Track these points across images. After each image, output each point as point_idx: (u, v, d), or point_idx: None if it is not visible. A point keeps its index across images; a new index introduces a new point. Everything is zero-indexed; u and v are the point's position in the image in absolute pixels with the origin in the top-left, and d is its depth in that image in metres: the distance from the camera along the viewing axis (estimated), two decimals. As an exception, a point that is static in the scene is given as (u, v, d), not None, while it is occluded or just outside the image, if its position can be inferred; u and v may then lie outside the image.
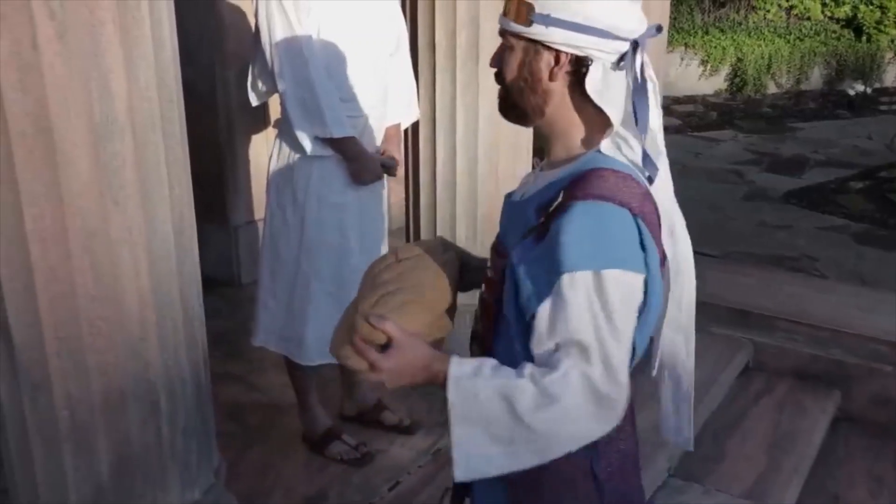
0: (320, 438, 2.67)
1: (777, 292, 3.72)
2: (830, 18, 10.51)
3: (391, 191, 2.97)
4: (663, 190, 1.26)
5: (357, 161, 2.45)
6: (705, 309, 3.69)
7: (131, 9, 1.50)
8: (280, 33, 2.32)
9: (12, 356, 1.58)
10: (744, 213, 5.68)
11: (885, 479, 2.99)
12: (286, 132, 2.46)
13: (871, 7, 10.23)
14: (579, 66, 1.22)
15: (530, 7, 1.20)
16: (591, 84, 1.21)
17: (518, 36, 1.23)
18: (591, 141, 1.25)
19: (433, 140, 2.87)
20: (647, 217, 1.18)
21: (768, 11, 10.52)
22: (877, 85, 9.73)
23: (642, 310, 1.19)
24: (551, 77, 1.23)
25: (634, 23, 1.21)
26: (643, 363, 1.31)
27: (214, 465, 1.94)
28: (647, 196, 1.21)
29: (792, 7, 10.56)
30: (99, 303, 1.57)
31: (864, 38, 10.11)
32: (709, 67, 9.62)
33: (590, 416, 1.13)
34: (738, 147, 7.67)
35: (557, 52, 1.21)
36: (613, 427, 1.17)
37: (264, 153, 3.48)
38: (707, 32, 9.99)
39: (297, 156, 2.44)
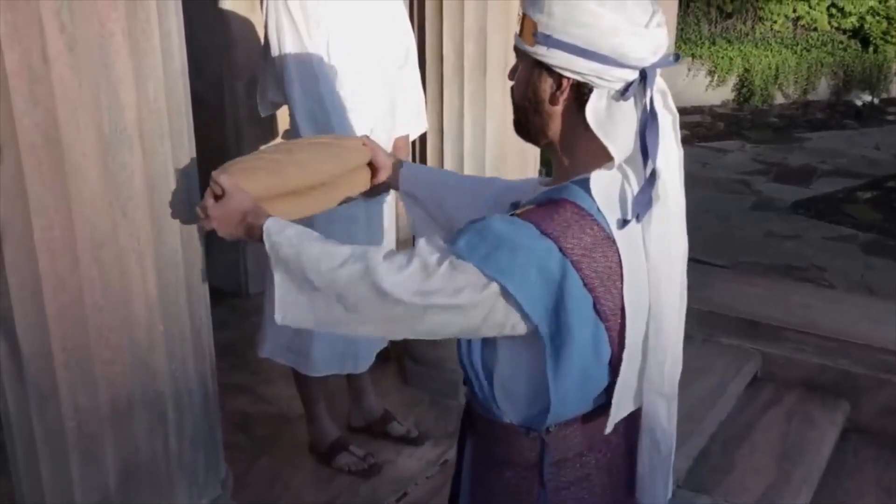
0: (328, 449, 2.67)
1: (785, 302, 3.71)
2: (837, 29, 10.50)
3: (399, 202, 2.98)
4: (657, 240, 1.16)
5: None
6: (713, 319, 3.71)
7: (141, 21, 1.51)
8: (290, 45, 2.33)
9: (20, 366, 1.59)
10: (751, 223, 5.67)
11: (894, 490, 2.97)
12: (294, 143, 2.47)
13: (877, 18, 10.23)
14: (581, 93, 1.16)
15: (534, 26, 1.15)
16: (592, 113, 1.16)
17: (525, 54, 1.20)
18: (588, 170, 1.18)
19: (441, 151, 2.87)
20: (584, 264, 1.12)
21: (775, 22, 10.51)
22: (884, 95, 9.71)
23: (552, 356, 1.16)
24: (553, 100, 1.18)
25: (645, 51, 1.13)
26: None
27: (221, 476, 1.94)
28: (603, 244, 1.14)
29: (799, 18, 10.56)
30: (107, 313, 1.57)
31: (870, 48, 10.10)
32: (716, 78, 9.61)
33: (369, 288, 1.18)
34: (745, 157, 7.66)
35: (560, 76, 1.16)
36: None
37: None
38: (714, 43, 9.99)
39: (305, 167, 2.45)
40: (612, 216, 1.15)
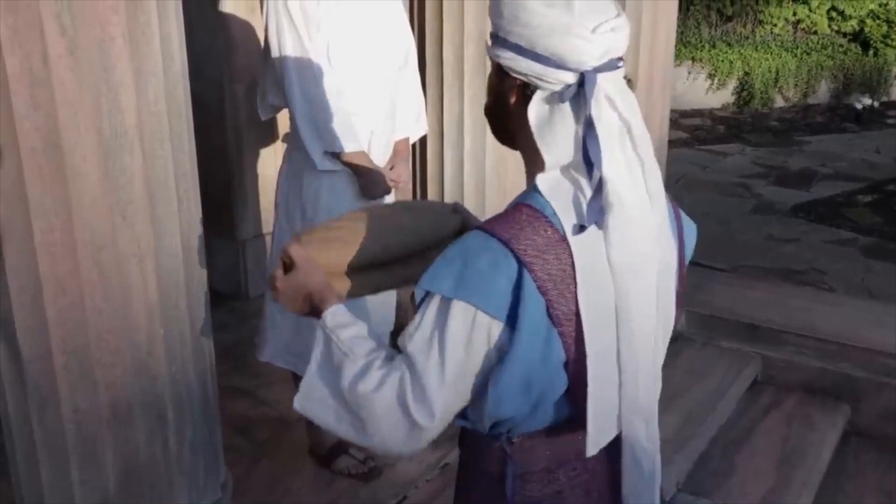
0: (328, 453, 2.66)
1: (785, 306, 3.70)
2: (837, 32, 10.50)
3: (398, 204, 2.98)
4: (617, 248, 1.12)
5: (366, 175, 2.46)
6: (713, 323, 3.71)
7: (141, 24, 1.52)
8: (290, 48, 2.33)
9: (20, 369, 1.59)
10: (752, 227, 5.67)
11: (895, 494, 2.97)
12: (295, 146, 2.47)
13: (877, 21, 10.23)
14: (526, 94, 1.15)
15: (492, 27, 1.18)
16: (533, 115, 1.14)
17: (490, 58, 1.21)
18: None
19: (441, 154, 2.88)
20: (537, 266, 1.10)
21: (775, 25, 10.52)
22: (884, 99, 9.71)
23: (499, 359, 1.12)
24: (508, 101, 1.18)
25: (586, 54, 1.10)
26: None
27: (221, 480, 1.94)
28: (556, 246, 1.11)
29: (799, 21, 10.57)
30: (107, 316, 1.57)
31: (871, 52, 10.10)
32: (716, 81, 9.62)
33: (397, 423, 1.15)
34: (745, 160, 7.66)
35: (512, 77, 1.16)
36: (417, 451, 1.22)
37: (273, 167, 3.50)
38: (714, 46, 10.00)
39: (306, 170, 2.45)
40: (567, 220, 1.12)
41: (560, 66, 1.11)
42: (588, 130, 1.10)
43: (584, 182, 1.12)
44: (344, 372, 1.18)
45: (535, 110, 1.14)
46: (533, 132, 1.14)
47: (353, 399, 1.17)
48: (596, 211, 1.11)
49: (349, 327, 1.22)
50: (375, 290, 1.39)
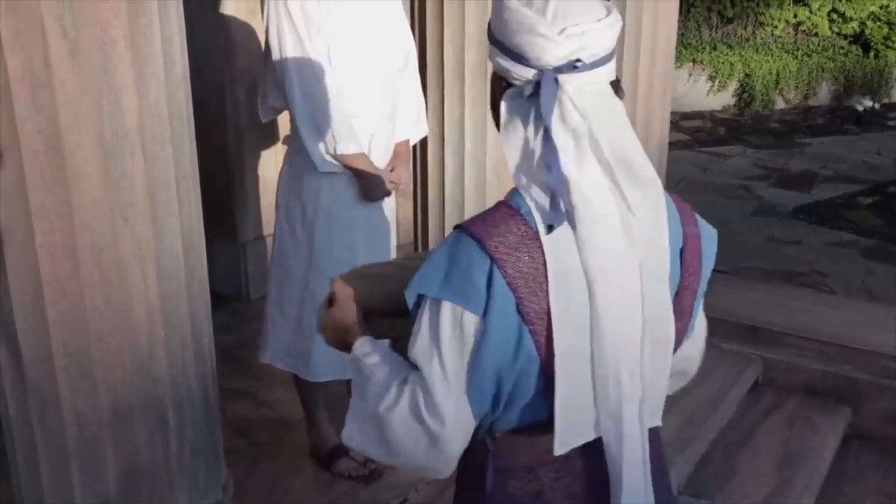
0: (328, 455, 2.66)
1: (786, 308, 3.70)
2: (838, 34, 10.50)
3: (400, 207, 2.98)
4: (587, 251, 1.12)
5: (366, 177, 2.46)
6: (714, 325, 3.67)
7: (142, 26, 1.52)
8: (290, 50, 2.33)
9: (21, 371, 1.59)
10: (753, 229, 5.66)
11: (896, 497, 2.97)
12: (296, 148, 2.47)
13: (878, 23, 10.23)
14: (501, 88, 1.18)
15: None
16: (502, 110, 1.16)
17: None
18: None
19: (441, 156, 2.88)
20: (508, 263, 1.11)
21: (776, 27, 10.52)
22: (885, 100, 9.70)
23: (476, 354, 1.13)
24: (497, 97, 1.20)
25: (548, 54, 1.11)
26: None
27: (222, 481, 1.94)
28: (529, 244, 1.12)
29: (799, 23, 10.57)
30: (107, 318, 1.57)
31: (871, 54, 10.10)
32: (717, 83, 9.62)
33: (416, 437, 1.17)
34: (746, 162, 7.66)
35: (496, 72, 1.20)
36: (447, 467, 1.22)
37: (273, 169, 3.50)
38: (715, 48, 10.00)
39: (307, 172, 2.45)
40: (541, 218, 1.13)
41: (522, 62, 1.13)
42: (544, 131, 1.11)
43: (549, 182, 1.13)
44: (369, 398, 1.22)
45: (505, 106, 1.17)
46: (501, 127, 1.17)
47: (378, 421, 1.20)
48: (557, 211, 1.12)
49: (373, 355, 1.25)
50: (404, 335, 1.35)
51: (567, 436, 1.18)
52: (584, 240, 1.12)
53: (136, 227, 1.57)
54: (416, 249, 3.12)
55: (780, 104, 9.76)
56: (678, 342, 1.27)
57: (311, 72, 2.34)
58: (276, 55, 2.37)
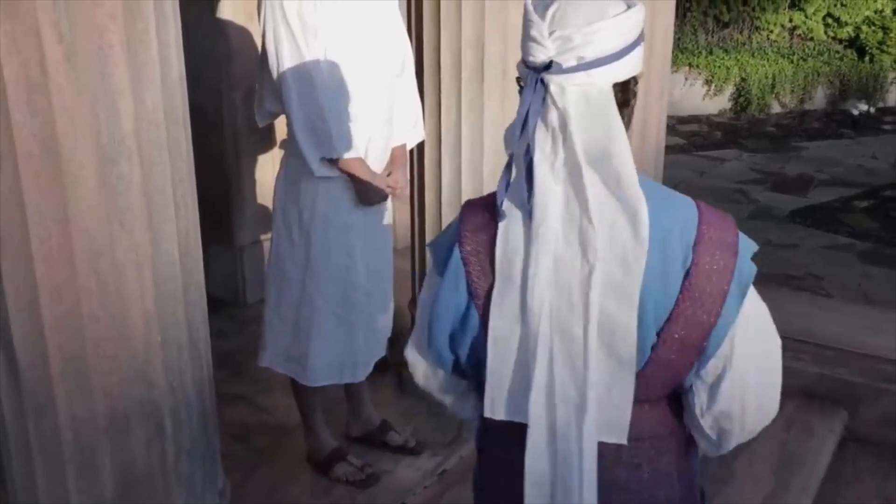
0: (326, 459, 2.66)
1: (783, 311, 3.67)
2: (833, 39, 10.54)
3: (396, 211, 2.98)
4: (536, 245, 1.17)
5: (363, 182, 2.46)
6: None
7: (139, 31, 1.52)
8: (287, 55, 2.34)
9: (16, 376, 1.58)
10: (749, 232, 5.57)
11: (893, 500, 2.96)
12: (293, 153, 2.47)
13: (873, 28, 10.26)
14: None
15: None
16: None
17: None
18: None
19: (438, 160, 2.88)
20: (468, 241, 1.24)
21: (771, 32, 10.55)
22: (880, 104, 9.73)
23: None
24: None
25: (534, 56, 1.16)
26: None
27: (219, 487, 1.93)
28: (492, 227, 1.21)
29: (795, 28, 10.60)
30: (104, 323, 1.57)
31: (866, 58, 10.13)
32: (713, 87, 9.64)
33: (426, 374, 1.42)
34: (742, 166, 7.68)
35: None
36: (445, 403, 1.47)
37: (270, 174, 3.49)
38: (711, 52, 10.02)
39: (304, 177, 2.45)
40: (504, 206, 1.21)
41: (522, 62, 1.20)
42: (521, 128, 1.17)
43: (520, 175, 1.19)
44: None
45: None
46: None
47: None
48: (515, 200, 1.19)
49: None
50: None
51: (490, 407, 1.26)
52: (534, 236, 1.17)
53: (132, 232, 1.57)
54: (412, 254, 3.12)
55: (776, 108, 9.78)
56: (672, 373, 1.23)
57: (307, 76, 2.34)
58: (272, 60, 2.37)
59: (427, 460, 2.74)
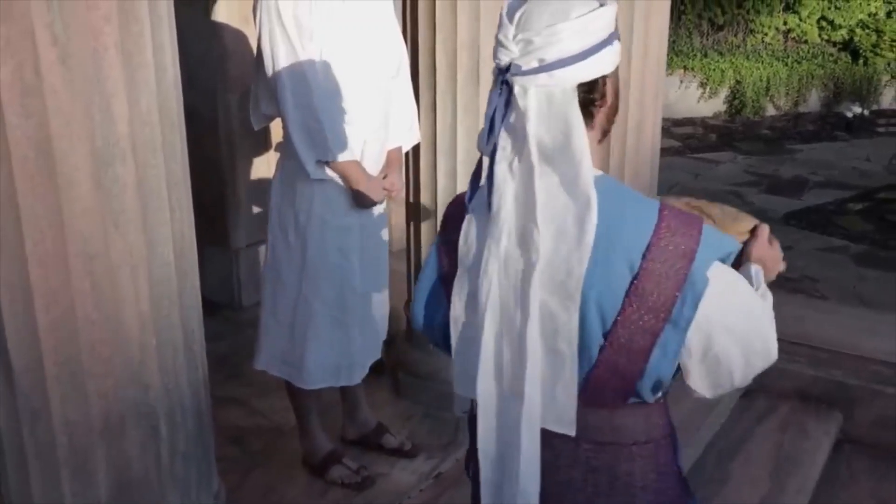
0: (321, 462, 2.65)
1: (778, 313, 3.69)
2: (827, 42, 10.57)
3: (392, 213, 2.98)
4: (490, 242, 1.22)
5: (359, 184, 2.46)
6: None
7: (134, 34, 1.51)
8: (283, 57, 2.33)
9: (11, 380, 1.58)
10: (744, 235, 5.67)
11: (889, 502, 2.97)
12: (288, 155, 2.47)
13: (867, 31, 10.30)
14: None
15: None
16: None
17: None
18: None
19: (434, 163, 2.88)
20: (443, 232, 1.37)
21: (766, 35, 10.58)
22: (874, 107, 9.76)
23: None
24: None
25: (498, 57, 1.20)
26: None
27: (214, 490, 1.93)
28: (460, 218, 1.28)
29: (789, 31, 10.63)
30: (99, 326, 1.56)
31: (860, 61, 10.17)
32: (708, 90, 9.67)
33: None
34: (737, 168, 7.69)
35: None
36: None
37: (266, 176, 3.49)
38: (706, 55, 10.05)
39: (299, 179, 2.45)
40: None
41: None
42: (489, 125, 1.23)
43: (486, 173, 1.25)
44: None
45: None
46: None
47: None
48: (481, 196, 1.24)
49: None
50: None
51: (456, 383, 1.34)
52: (490, 231, 1.22)
53: (127, 235, 1.56)
54: (408, 256, 3.12)
55: (770, 111, 9.81)
56: (621, 379, 1.25)
57: (303, 79, 2.34)
58: (268, 62, 2.37)
59: (423, 463, 2.73)
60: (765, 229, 1.47)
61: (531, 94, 1.18)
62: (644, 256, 1.18)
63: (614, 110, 1.28)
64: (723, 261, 1.28)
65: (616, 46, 1.22)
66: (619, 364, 1.23)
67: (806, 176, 7.39)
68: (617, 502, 1.34)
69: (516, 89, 1.18)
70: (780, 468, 2.99)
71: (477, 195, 1.26)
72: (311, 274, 2.48)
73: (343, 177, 2.45)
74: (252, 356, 2.64)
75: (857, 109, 9.21)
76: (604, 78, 1.22)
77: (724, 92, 9.71)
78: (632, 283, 1.19)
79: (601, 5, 1.19)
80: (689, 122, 9.36)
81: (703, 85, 9.66)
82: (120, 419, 1.63)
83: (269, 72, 2.37)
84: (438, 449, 2.78)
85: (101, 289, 1.55)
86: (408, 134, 2.70)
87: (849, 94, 9.77)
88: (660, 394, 1.32)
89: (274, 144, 3.54)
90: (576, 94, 1.18)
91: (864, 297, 4.73)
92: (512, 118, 1.20)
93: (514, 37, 1.18)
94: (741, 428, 3.24)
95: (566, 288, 1.18)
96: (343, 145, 2.40)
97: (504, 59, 1.19)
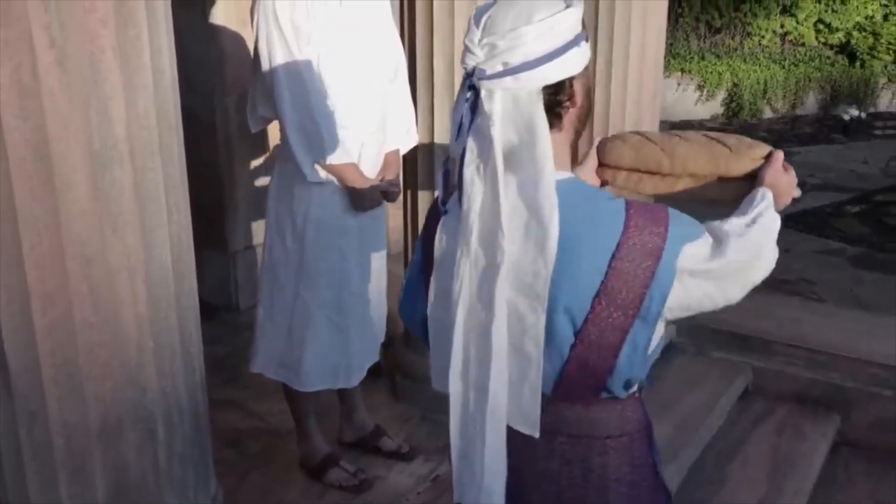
0: (319, 465, 2.65)
1: (775, 316, 3.71)
2: (824, 44, 10.59)
3: (389, 215, 2.98)
4: (461, 241, 1.24)
5: (356, 187, 2.46)
6: (704, 333, 3.71)
7: (131, 37, 1.51)
8: (280, 60, 2.34)
9: (8, 382, 1.58)
10: (741, 237, 5.67)
11: (886, 504, 2.98)
12: (286, 158, 2.47)
13: (864, 34, 10.32)
14: None
15: None
16: None
17: None
18: None
19: (431, 166, 2.88)
20: (427, 227, 1.39)
21: (763, 37, 10.60)
22: (871, 110, 9.78)
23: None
24: None
25: (465, 61, 1.22)
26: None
27: (212, 493, 1.93)
28: (437, 206, 1.33)
29: (786, 33, 10.65)
30: (96, 329, 1.56)
31: (857, 63, 10.19)
32: (705, 92, 9.68)
33: None
34: (734, 171, 7.69)
35: None
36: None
37: (263, 179, 3.49)
38: (703, 58, 10.07)
39: (297, 182, 2.45)
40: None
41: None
42: (457, 129, 1.23)
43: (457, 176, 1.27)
44: None
45: None
46: None
47: None
48: (445, 193, 1.29)
49: None
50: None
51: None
52: (461, 231, 1.23)
53: (125, 238, 1.56)
54: (405, 259, 3.12)
55: (767, 113, 9.83)
56: (591, 375, 1.27)
57: (300, 82, 2.34)
58: (265, 65, 2.37)
59: (420, 466, 2.73)
60: (779, 155, 1.47)
61: (497, 98, 1.19)
62: (613, 256, 1.20)
63: (586, 111, 1.29)
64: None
65: (584, 48, 1.23)
66: (590, 360, 1.26)
67: (803, 178, 7.33)
68: (591, 494, 1.36)
69: (483, 93, 1.19)
70: (777, 470, 2.99)
71: (454, 195, 1.28)
72: (308, 276, 2.48)
73: (340, 179, 2.45)
74: (249, 359, 2.64)
75: (854, 112, 9.23)
76: (571, 79, 1.22)
77: (721, 94, 9.73)
78: (601, 283, 1.21)
79: (566, 7, 1.20)
80: (686, 124, 9.37)
81: (700, 87, 9.68)
82: (117, 421, 1.63)
83: (267, 75, 2.37)
84: (436, 451, 2.77)
85: (98, 291, 1.55)
86: (405, 137, 2.71)
87: (846, 96, 9.80)
88: (633, 389, 1.34)
89: (271, 147, 3.54)
90: (541, 96, 1.19)
91: (861, 300, 4.73)
92: (480, 122, 1.20)
93: (480, 41, 1.19)
94: (739, 430, 3.24)
95: (534, 289, 1.20)
96: (340, 148, 2.41)
97: (470, 63, 1.21)
